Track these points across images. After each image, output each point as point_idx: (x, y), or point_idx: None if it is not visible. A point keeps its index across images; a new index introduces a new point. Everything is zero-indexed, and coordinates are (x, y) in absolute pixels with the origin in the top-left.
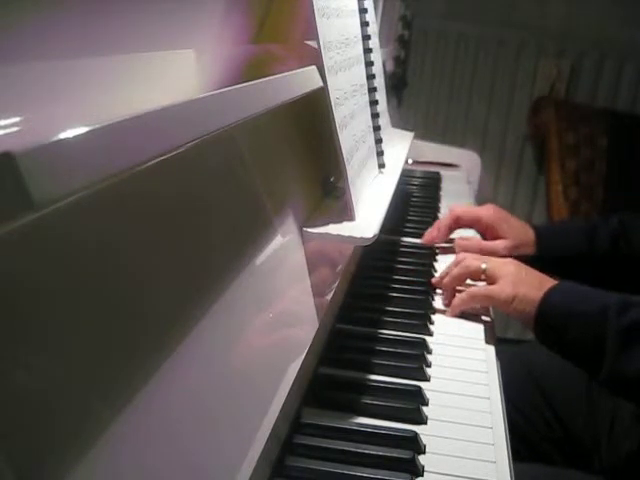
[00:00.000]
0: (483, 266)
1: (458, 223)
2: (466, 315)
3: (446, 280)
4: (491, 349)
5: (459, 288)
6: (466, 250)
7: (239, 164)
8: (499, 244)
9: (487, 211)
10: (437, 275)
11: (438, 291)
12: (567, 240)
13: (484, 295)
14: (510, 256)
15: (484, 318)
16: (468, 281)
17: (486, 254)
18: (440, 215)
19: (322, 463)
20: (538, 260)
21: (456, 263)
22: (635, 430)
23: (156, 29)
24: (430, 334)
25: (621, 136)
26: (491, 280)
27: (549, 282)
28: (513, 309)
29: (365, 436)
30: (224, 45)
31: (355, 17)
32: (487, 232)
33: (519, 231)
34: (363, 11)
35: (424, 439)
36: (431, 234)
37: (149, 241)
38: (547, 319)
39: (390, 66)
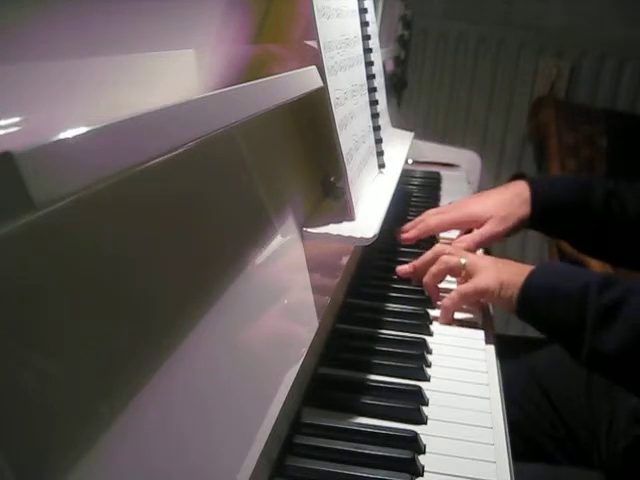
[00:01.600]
0: (463, 261)
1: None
2: (466, 315)
3: (426, 279)
4: (491, 349)
5: (441, 286)
6: (469, 251)
7: (239, 164)
8: (489, 228)
9: (463, 212)
10: (406, 265)
11: (427, 293)
12: (562, 191)
13: (474, 291)
14: (510, 228)
15: (484, 318)
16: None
17: (488, 242)
18: None
19: (322, 463)
20: (530, 219)
21: (434, 255)
22: (631, 429)
23: (156, 29)
24: (430, 334)
25: (621, 136)
26: (471, 274)
27: (528, 267)
28: (500, 297)
29: (365, 436)
30: (224, 45)
31: (355, 17)
32: (472, 225)
33: (502, 200)
34: (363, 11)
35: (424, 439)
36: (404, 236)
37: (149, 241)
38: (530, 300)
39: (390, 66)
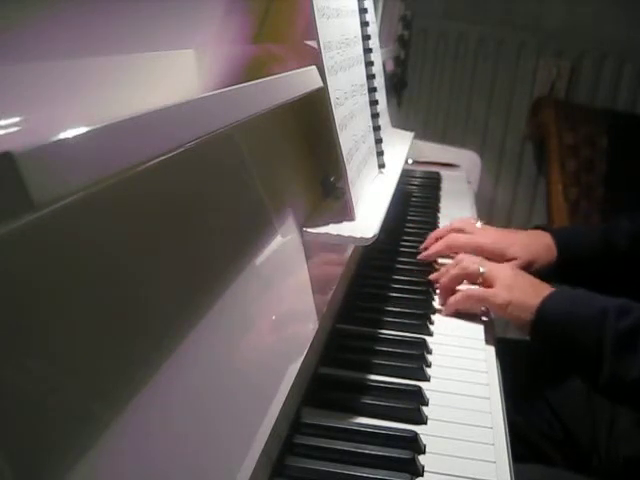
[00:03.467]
0: (481, 269)
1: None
2: (466, 315)
3: (443, 280)
4: (491, 349)
5: (457, 288)
6: None
7: (239, 164)
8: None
9: (491, 240)
10: (437, 273)
11: (438, 291)
12: (584, 238)
13: (479, 297)
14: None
15: (484, 318)
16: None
17: None
18: (440, 215)
19: (322, 463)
20: (555, 267)
21: (455, 264)
22: (634, 433)
23: (156, 29)
24: (430, 334)
25: (621, 136)
26: (487, 284)
27: (545, 288)
28: (508, 314)
29: (365, 436)
30: (224, 45)
31: (355, 17)
32: (490, 256)
33: (530, 246)
34: (363, 11)
35: (424, 439)
36: (424, 254)
37: (149, 241)
38: (546, 325)
39: (390, 66)
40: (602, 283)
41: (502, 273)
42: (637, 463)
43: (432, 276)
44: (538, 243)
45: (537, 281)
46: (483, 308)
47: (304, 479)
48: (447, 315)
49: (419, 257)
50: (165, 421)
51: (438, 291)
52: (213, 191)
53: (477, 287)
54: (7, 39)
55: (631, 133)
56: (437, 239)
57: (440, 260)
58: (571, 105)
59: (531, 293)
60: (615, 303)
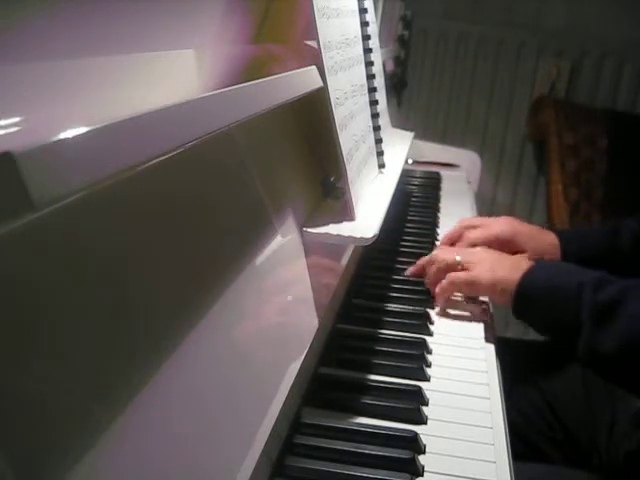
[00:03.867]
0: (458, 258)
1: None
2: (466, 315)
3: (427, 281)
4: (491, 349)
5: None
6: None
7: (239, 164)
8: None
9: (502, 228)
10: (411, 268)
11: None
12: (589, 239)
13: (464, 281)
14: None
15: (484, 318)
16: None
17: None
18: (440, 215)
19: (322, 463)
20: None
21: (431, 262)
22: (633, 432)
23: (156, 29)
24: (430, 334)
25: (621, 136)
26: (468, 269)
27: (525, 262)
28: (496, 292)
29: (365, 436)
30: (224, 45)
31: (355, 17)
32: (504, 247)
33: (538, 240)
34: (363, 11)
35: (424, 439)
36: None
37: (149, 241)
38: (526, 296)
39: (390, 66)
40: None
41: (478, 256)
42: (636, 461)
43: (408, 271)
44: (544, 239)
45: (514, 257)
46: (483, 304)
47: (304, 479)
48: (441, 305)
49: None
50: (165, 421)
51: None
52: (213, 191)
53: (461, 272)
54: (7, 39)
55: (631, 133)
56: (450, 242)
57: (457, 258)
58: (571, 105)
59: (512, 267)
60: (592, 276)
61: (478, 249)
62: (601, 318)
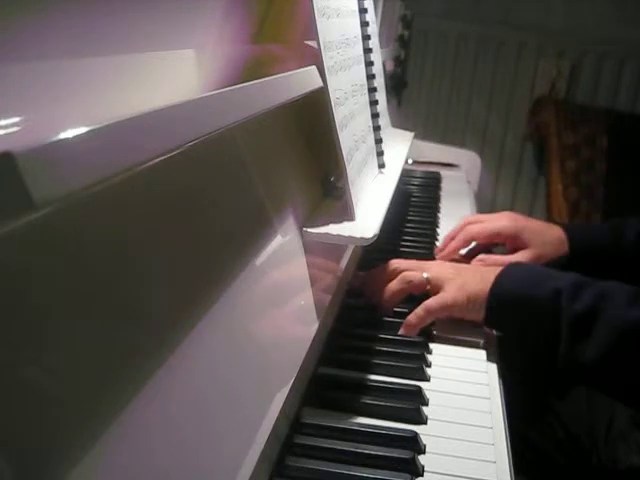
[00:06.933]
0: (425, 275)
1: (472, 242)
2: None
3: (386, 297)
4: (491, 349)
5: None
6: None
7: (239, 164)
8: (520, 258)
9: (504, 223)
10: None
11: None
12: (594, 232)
13: (440, 306)
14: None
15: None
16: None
17: None
18: (440, 215)
19: (322, 463)
20: (567, 262)
21: (391, 272)
22: (631, 433)
23: (156, 29)
24: (430, 334)
25: (621, 136)
26: (436, 288)
27: (490, 273)
28: (468, 310)
29: (365, 436)
30: (224, 45)
31: (355, 17)
32: (507, 242)
33: (543, 236)
34: (363, 11)
35: (424, 439)
36: (442, 254)
37: (149, 241)
38: (497, 309)
39: (390, 66)
40: (612, 279)
41: (446, 271)
42: (635, 462)
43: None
44: (551, 234)
45: (476, 267)
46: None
47: (304, 479)
48: (408, 334)
49: (437, 258)
50: (165, 421)
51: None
52: (213, 191)
53: (433, 298)
54: (7, 39)
55: (631, 133)
56: (452, 239)
57: (461, 251)
58: (571, 105)
59: (482, 278)
60: (567, 282)
61: (439, 262)
62: (579, 330)
